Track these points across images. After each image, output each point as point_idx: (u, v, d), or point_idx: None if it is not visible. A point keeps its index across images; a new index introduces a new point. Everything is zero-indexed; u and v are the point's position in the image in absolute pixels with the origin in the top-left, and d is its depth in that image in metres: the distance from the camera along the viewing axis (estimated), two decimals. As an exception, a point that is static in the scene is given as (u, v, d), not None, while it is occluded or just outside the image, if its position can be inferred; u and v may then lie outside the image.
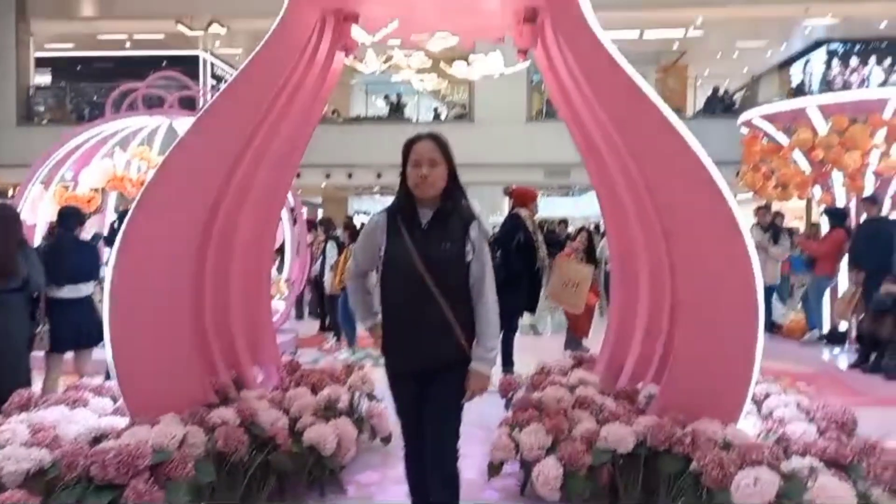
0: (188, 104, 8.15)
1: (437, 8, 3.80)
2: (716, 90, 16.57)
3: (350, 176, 16.19)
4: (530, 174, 15.40)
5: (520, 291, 5.79)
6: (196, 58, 17.93)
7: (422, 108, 17.62)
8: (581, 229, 7.45)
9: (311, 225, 9.64)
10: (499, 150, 15.00)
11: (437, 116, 17.77)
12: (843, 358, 6.66)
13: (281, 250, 8.62)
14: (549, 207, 19.40)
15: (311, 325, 9.28)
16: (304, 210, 18.67)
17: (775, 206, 8.67)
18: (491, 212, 16.09)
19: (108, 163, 7.48)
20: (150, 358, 3.25)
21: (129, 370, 3.24)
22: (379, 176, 15.47)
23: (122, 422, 3.21)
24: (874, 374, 5.85)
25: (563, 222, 12.83)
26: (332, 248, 8.07)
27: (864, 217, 7.06)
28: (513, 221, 5.92)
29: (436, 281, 2.37)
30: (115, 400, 3.58)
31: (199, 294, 3.70)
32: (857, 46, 17.46)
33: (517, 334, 6.00)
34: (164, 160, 3.46)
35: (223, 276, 4.00)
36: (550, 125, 13.95)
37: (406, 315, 2.42)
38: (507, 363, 5.74)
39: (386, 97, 17.25)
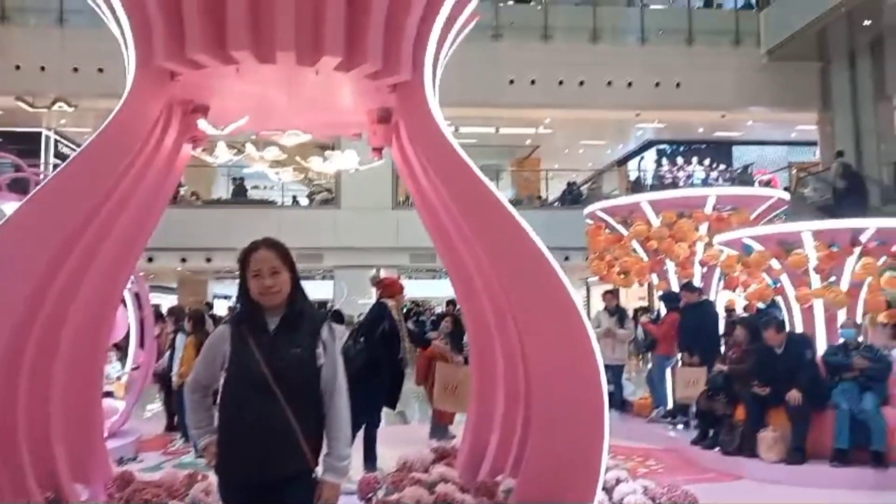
0: (20, 187, 7.44)
1: (288, 105, 3.82)
2: (571, 184, 18.01)
3: (209, 260, 15.47)
4: (396, 258, 15.57)
5: (381, 383, 5.68)
6: (39, 135, 16.72)
7: (287, 192, 17.45)
8: (445, 314, 7.48)
9: (159, 315, 8.95)
10: (365, 235, 15.11)
11: (295, 201, 17.66)
12: (685, 434, 7.10)
13: (126, 342, 7.87)
14: (419, 289, 19.64)
15: (156, 425, 8.44)
16: (173, 299, 17.26)
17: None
18: (358, 295, 16.00)
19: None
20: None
21: None
22: (240, 260, 14.92)
23: None
24: (713, 450, 6.27)
25: (452, 303, 12.32)
26: (181, 340, 7.49)
27: (684, 304, 7.71)
28: (379, 310, 5.90)
29: (282, 387, 2.23)
30: None
31: (11, 399, 3.25)
32: (682, 147, 19.92)
33: (382, 426, 5.83)
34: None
35: (43, 376, 3.55)
36: (415, 211, 14.30)
37: (247, 422, 2.24)
38: (370, 460, 5.51)
39: (234, 179, 16.87)
